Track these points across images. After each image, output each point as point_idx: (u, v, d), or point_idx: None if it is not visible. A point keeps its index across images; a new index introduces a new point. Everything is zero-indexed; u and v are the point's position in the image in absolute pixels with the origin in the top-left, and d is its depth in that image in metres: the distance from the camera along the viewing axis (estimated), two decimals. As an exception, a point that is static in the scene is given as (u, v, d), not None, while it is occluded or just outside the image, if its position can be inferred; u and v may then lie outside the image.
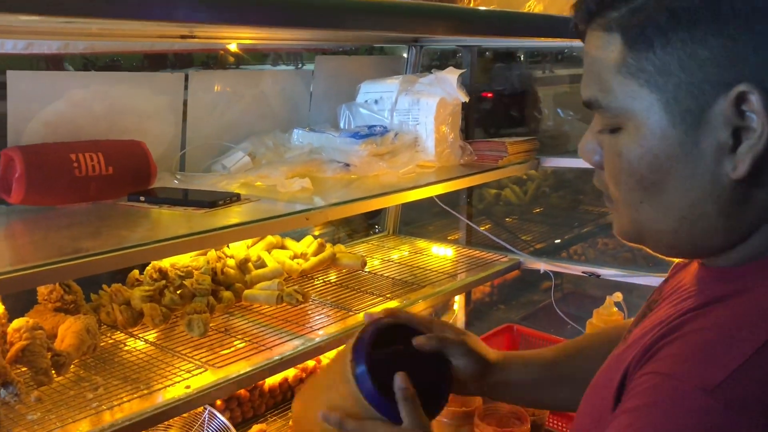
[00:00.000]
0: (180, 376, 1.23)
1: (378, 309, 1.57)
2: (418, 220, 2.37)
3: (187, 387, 1.19)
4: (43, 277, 0.92)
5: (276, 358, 1.32)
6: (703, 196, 0.62)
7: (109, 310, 1.44)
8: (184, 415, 1.61)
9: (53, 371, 1.21)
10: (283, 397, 1.88)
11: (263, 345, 1.37)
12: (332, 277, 1.83)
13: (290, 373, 1.87)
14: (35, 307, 1.39)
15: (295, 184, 1.47)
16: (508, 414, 1.46)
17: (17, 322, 1.21)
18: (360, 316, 1.52)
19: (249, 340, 1.39)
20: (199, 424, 1.55)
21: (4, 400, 1.11)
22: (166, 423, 1.60)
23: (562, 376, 0.98)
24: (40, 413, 1.10)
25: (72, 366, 1.26)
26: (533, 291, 2.58)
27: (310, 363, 1.92)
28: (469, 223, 2.06)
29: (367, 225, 2.33)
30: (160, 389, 1.18)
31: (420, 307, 1.65)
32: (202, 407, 1.60)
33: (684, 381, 0.55)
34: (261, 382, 1.79)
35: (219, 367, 1.26)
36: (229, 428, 1.51)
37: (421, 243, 2.16)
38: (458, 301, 2.19)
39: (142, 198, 1.32)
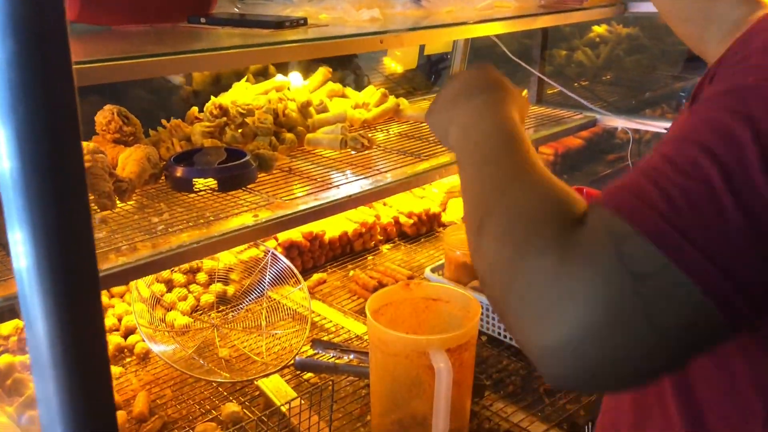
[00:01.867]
0: (246, 207, 1.17)
1: (446, 159, 1.48)
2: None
3: (255, 216, 1.14)
4: (113, 72, 0.84)
5: (343, 195, 1.25)
6: None
7: (169, 146, 1.39)
8: (245, 259, 1.59)
9: (116, 197, 1.17)
10: (342, 250, 1.84)
11: (329, 184, 1.30)
12: (395, 128, 1.73)
13: (350, 227, 1.83)
14: (93, 138, 1.34)
15: (363, 14, 1.35)
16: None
17: (78, 145, 1.15)
18: (429, 163, 1.44)
19: (315, 179, 1.33)
20: (261, 267, 1.53)
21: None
22: (227, 266, 1.58)
23: None
24: (105, 233, 1.06)
25: (134, 195, 1.22)
26: (598, 162, 2.46)
27: (370, 218, 1.87)
28: (542, 76, 1.92)
29: (427, 83, 2.20)
30: (227, 217, 1.13)
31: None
32: (264, 251, 1.57)
33: None
34: (321, 233, 1.75)
35: (286, 201, 1.21)
36: (292, 270, 1.48)
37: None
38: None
39: (203, 20, 1.22)
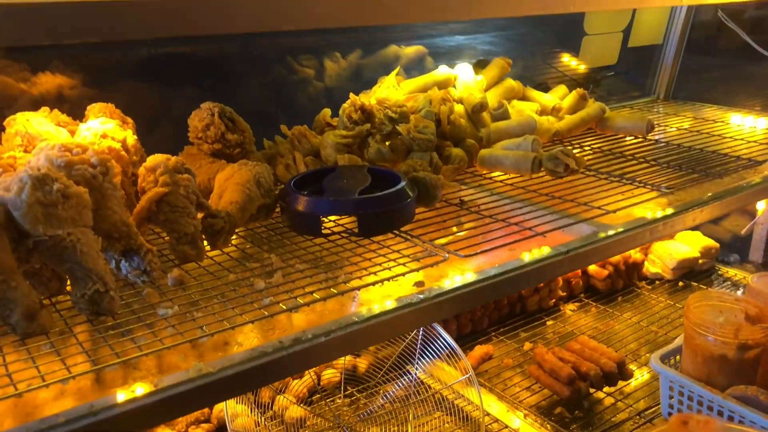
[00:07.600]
0: (398, 261, 0.72)
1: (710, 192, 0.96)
2: (700, 82, 1.65)
3: (419, 285, 0.68)
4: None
5: (560, 248, 0.77)
6: None
7: (290, 162, 0.97)
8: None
9: (204, 240, 0.75)
10: (511, 309, 1.36)
11: (527, 227, 0.82)
12: (594, 143, 1.23)
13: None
14: (186, 148, 0.94)
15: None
16: None
17: (153, 159, 0.75)
18: (677, 196, 0.93)
19: (503, 220, 0.85)
20: (410, 340, 1.07)
21: (128, 279, 0.66)
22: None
23: None
24: (179, 306, 0.64)
25: (234, 236, 0.80)
26: None
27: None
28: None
29: (626, 86, 1.67)
30: (367, 285, 0.68)
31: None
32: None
33: None
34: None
35: (465, 256, 0.74)
36: (455, 349, 1.01)
37: (712, 111, 1.50)
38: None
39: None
